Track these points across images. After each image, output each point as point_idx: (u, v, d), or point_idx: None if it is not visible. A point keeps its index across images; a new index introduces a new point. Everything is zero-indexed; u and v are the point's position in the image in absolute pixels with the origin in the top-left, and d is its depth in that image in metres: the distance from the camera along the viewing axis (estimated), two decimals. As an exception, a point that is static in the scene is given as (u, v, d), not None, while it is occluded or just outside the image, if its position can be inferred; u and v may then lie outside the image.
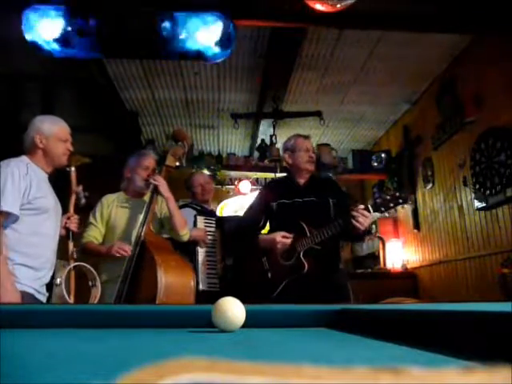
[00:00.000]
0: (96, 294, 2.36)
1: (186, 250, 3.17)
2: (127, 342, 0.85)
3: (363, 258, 6.16)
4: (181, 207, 3.38)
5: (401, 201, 2.51)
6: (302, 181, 2.77)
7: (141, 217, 2.73)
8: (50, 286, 2.32)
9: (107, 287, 2.62)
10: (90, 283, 2.38)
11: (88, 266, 2.39)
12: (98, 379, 0.44)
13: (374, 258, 5.91)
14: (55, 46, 3.14)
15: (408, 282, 5.15)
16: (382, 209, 2.51)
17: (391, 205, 2.49)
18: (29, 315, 1.09)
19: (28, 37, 3.10)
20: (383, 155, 5.76)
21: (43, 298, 2.24)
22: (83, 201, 2.55)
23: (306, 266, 2.53)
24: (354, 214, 2.43)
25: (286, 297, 2.50)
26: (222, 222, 3.48)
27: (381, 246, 5.68)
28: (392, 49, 4.17)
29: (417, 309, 0.91)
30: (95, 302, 2.34)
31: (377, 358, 0.66)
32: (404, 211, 5.52)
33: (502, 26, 3.41)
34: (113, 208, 2.82)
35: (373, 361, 0.62)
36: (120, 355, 0.65)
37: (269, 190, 2.96)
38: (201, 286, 3.06)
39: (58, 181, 2.44)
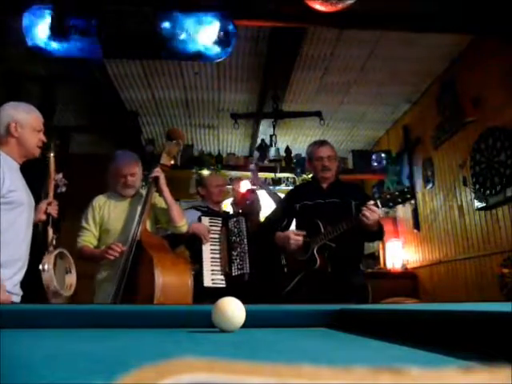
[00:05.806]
0: (72, 281, 2.32)
1: (192, 248, 3.16)
2: (127, 342, 0.85)
3: (363, 258, 6.15)
4: (186, 209, 3.34)
5: (409, 196, 2.52)
6: (325, 184, 2.84)
7: (137, 214, 2.71)
8: (23, 285, 2.20)
9: (103, 286, 2.62)
10: (66, 270, 2.32)
11: (67, 253, 2.36)
12: (98, 379, 0.44)
13: (373, 258, 5.91)
14: (55, 46, 3.15)
15: (408, 282, 5.15)
16: (391, 204, 2.53)
17: (399, 200, 2.50)
18: (29, 315, 1.09)
19: (28, 37, 3.10)
20: (383, 155, 5.75)
21: (17, 298, 2.12)
22: (63, 189, 2.48)
23: (319, 261, 2.55)
24: (362, 208, 2.45)
25: (298, 292, 2.54)
26: (227, 220, 3.41)
27: (381, 245, 5.68)
28: (392, 49, 4.17)
29: (417, 309, 0.91)
30: (71, 289, 2.30)
31: (377, 358, 0.66)
32: (404, 211, 5.52)
33: (502, 26, 3.41)
34: (105, 209, 2.76)
35: (373, 361, 0.62)
36: (120, 355, 0.65)
37: (293, 192, 3.11)
38: (205, 283, 3.01)
39: (34, 169, 2.36)
